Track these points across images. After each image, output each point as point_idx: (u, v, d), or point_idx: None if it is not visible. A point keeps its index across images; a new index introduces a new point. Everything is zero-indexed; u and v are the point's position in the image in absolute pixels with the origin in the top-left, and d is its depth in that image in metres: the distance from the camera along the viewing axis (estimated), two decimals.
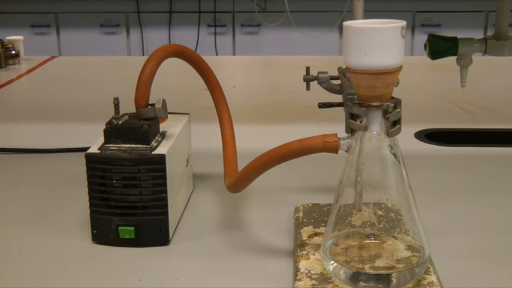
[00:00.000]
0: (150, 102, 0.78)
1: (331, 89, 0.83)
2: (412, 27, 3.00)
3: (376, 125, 0.63)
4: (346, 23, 0.61)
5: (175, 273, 0.71)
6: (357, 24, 0.61)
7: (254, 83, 1.59)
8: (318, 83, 0.82)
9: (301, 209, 0.80)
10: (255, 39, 3.10)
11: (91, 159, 0.74)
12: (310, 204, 0.81)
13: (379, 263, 0.63)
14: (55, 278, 0.70)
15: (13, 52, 1.69)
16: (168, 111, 0.77)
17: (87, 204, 0.75)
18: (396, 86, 0.63)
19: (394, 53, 0.60)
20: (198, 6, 3.06)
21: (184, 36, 3.04)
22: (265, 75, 1.65)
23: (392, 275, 0.62)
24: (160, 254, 0.74)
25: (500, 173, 0.97)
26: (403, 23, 0.61)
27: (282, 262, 0.71)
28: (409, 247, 0.65)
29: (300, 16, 2.63)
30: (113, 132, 0.75)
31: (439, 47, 0.95)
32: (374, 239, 0.65)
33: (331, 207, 0.68)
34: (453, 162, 1.02)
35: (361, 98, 0.63)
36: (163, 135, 0.78)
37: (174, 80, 1.43)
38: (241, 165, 0.81)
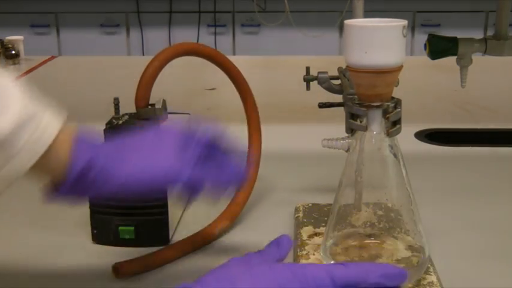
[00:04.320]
0: (150, 102, 0.77)
1: (331, 89, 0.83)
2: (412, 27, 3.00)
3: (376, 125, 0.63)
4: (347, 22, 0.61)
5: (175, 273, 0.70)
6: (358, 22, 0.61)
7: (254, 83, 1.58)
8: (318, 83, 0.82)
9: (301, 209, 0.80)
10: (255, 39, 3.10)
11: None
12: (310, 204, 0.81)
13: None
14: (55, 277, 0.70)
15: (13, 52, 1.69)
16: (168, 111, 0.77)
17: (87, 204, 0.75)
18: (396, 86, 0.63)
19: (395, 52, 0.60)
20: (198, 6, 3.05)
21: (184, 36, 3.03)
22: (266, 76, 1.65)
23: None
24: None
25: (500, 173, 0.97)
26: (405, 22, 0.61)
27: None
28: (409, 247, 0.65)
29: (300, 16, 2.63)
30: (113, 132, 0.75)
31: (439, 47, 0.95)
32: (374, 239, 0.65)
33: (331, 207, 0.68)
34: (453, 162, 1.02)
35: (361, 97, 0.63)
36: None
37: (175, 80, 1.43)
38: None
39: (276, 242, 0.57)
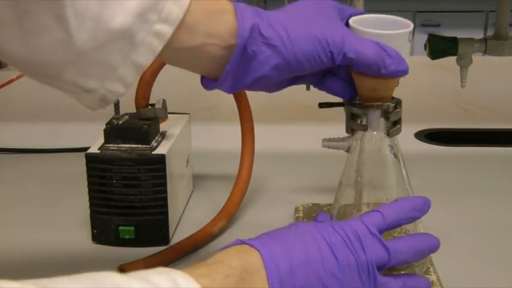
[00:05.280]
0: (150, 102, 0.78)
1: None
2: None
3: (376, 125, 0.63)
4: (352, 22, 0.60)
5: None
6: (364, 23, 0.60)
7: None
8: None
9: (301, 209, 0.80)
10: None
11: (91, 159, 0.74)
12: (310, 204, 0.81)
13: None
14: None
15: None
16: (168, 111, 0.77)
17: (87, 204, 0.75)
18: (396, 86, 0.63)
19: None
20: None
21: None
22: None
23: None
24: None
25: (500, 173, 0.97)
26: (411, 27, 0.60)
27: None
28: None
29: None
30: (113, 132, 0.75)
31: (439, 47, 0.95)
32: None
33: (331, 207, 0.68)
34: (453, 162, 1.02)
35: (362, 98, 0.63)
36: (163, 135, 0.78)
37: (175, 80, 1.43)
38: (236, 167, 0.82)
39: (314, 218, 0.63)
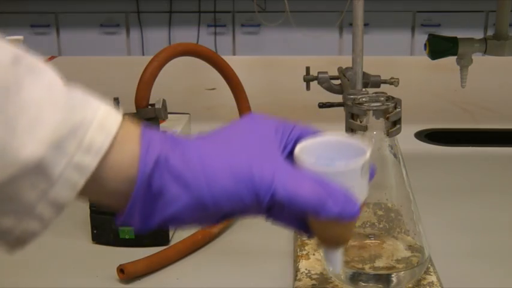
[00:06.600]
0: (150, 102, 0.78)
1: (331, 89, 0.83)
2: (412, 27, 3.00)
3: (376, 125, 0.63)
4: (299, 149, 0.49)
5: (175, 273, 0.71)
6: (315, 147, 0.50)
7: (254, 83, 1.59)
8: (318, 83, 0.82)
9: None
10: (255, 39, 3.10)
11: None
12: None
13: (379, 263, 0.63)
14: (55, 277, 0.70)
15: None
16: (168, 111, 0.77)
17: (87, 204, 0.75)
18: (396, 86, 0.63)
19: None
20: (198, 6, 3.05)
21: (185, 36, 3.03)
22: (265, 75, 1.65)
23: (392, 275, 0.62)
24: None
25: (500, 173, 0.97)
26: (364, 158, 0.49)
27: (282, 262, 0.71)
28: (409, 247, 0.65)
29: (300, 16, 2.63)
30: None
31: (439, 47, 0.95)
32: (374, 239, 0.65)
33: None
34: (453, 162, 1.02)
35: (317, 238, 0.52)
36: None
37: (175, 80, 1.43)
38: None
39: None
